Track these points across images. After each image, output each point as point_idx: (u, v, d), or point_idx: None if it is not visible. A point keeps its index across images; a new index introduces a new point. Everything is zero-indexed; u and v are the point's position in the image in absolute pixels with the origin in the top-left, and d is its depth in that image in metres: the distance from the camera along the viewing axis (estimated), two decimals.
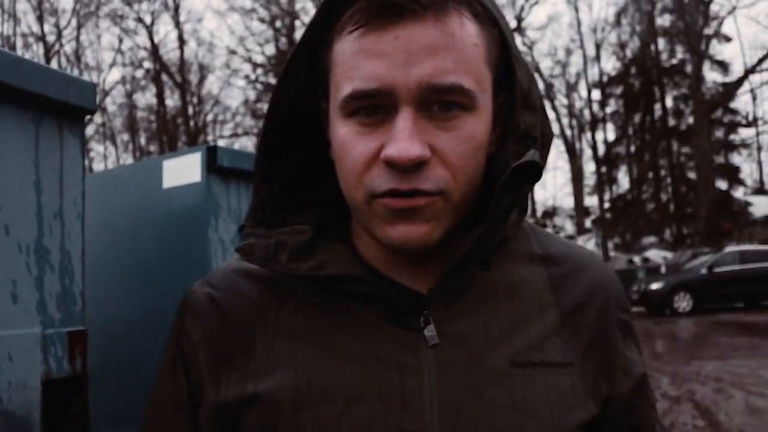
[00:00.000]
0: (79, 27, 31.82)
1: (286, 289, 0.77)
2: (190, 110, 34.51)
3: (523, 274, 0.79)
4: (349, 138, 0.68)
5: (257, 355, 0.74)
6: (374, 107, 0.67)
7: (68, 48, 32.66)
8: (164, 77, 34.01)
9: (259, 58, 35.03)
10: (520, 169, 0.69)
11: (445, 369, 0.71)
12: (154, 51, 32.42)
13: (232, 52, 33.79)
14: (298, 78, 0.76)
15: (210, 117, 36.93)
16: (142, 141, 37.32)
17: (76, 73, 32.09)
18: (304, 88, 0.77)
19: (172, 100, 35.81)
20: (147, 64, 33.91)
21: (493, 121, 0.73)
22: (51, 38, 30.42)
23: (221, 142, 36.59)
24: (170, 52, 33.92)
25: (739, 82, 31.91)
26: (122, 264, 2.62)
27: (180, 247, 2.51)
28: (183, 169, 2.56)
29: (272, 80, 32.84)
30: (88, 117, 1.83)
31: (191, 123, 34.16)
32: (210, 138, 36.63)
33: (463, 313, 0.74)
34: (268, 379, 0.72)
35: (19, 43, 29.50)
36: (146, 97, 37.05)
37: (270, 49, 34.55)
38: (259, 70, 34.97)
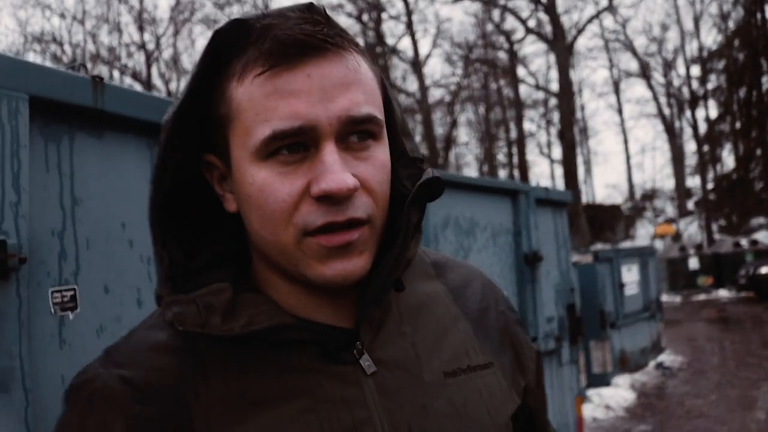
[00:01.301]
0: (175, 34, 33.13)
1: (206, 356, 0.72)
2: None
3: (429, 291, 0.85)
4: (271, 180, 0.67)
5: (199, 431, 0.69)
6: (295, 145, 0.67)
7: (166, 54, 34.20)
8: None
9: None
10: (422, 187, 0.74)
11: (388, 394, 0.73)
12: None
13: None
14: (182, 134, 0.72)
15: None
16: None
17: (174, 77, 33.57)
18: (190, 146, 0.74)
19: None
20: None
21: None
22: (150, 46, 31.89)
23: None
24: None
25: None
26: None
27: None
28: None
29: None
30: None
31: None
32: None
33: (391, 338, 0.77)
34: None
35: (123, 53, 31.16)
36: None
37: (359, 43, 34.92)
38: None
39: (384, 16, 32.44)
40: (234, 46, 0.68)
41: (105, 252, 1.62)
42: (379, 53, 31.98)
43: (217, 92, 0.70)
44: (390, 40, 33.25)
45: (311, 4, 0.70)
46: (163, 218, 0.74)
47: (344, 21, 30.13)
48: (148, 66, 31.21)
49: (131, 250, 1.68)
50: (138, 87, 30.01)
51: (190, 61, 36.47)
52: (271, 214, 0.68)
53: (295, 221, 0.68)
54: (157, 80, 32.17)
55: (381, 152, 0.72)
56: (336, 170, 0.65)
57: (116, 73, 29.20)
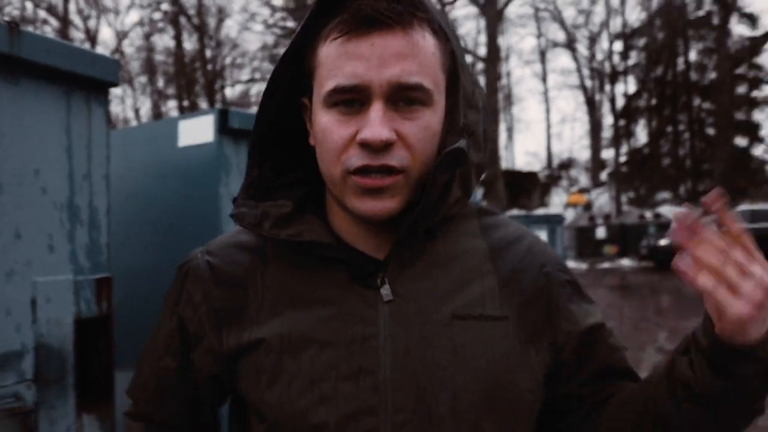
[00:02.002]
0: None
1: (270, 256, 0.93)
2: (208, 53, 34.30)
3: (467, 247, 0.94)
4: (330, 125, 0.82)
5: (250, 311, 0.90)
6: (352, 100, 0.81)
7: None
8: (182, 20, 33.74)
9: (278, 2, 34.61)
10: (451, 153, 0.83)
11: (397, 320, 0.86)
12: None
13: None
14: (285, 76, 0.91)
15: (228, 61, 36.78)
16: (160, 84, 37.30)
17: (94, 14, 31.96)
18: (290, 85, 0.91)
19: (190, 43, 35.61)
20: (165, 6, 33.63)
21: (445, 116, 0.88)
22: None
23: (239, 87, 36.44)
24: None
25: (767, 36, 31.17)
26: (141, 216, 2.86)
27: (193, 201, 2.73)
28: (197, 130, 2.77)
29: (290, 24, 32.47)
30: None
31: (209, 67, 33.98)
32: (227, 82, 36.53)
33: (414, 276, 0.89)
34: (259, 330, 0.89)
35: None
36: (164, 40, 36.79)
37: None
38: (278, 15, 34.57)
39: None
40: (330, 12, 0.83)
41: (17, 197, 1.65)
42: (309, 5, 31.40)
43: (312, 47, 0.86)
44: None
45: None
46: (264, 143, 0.94)
47: None
48: (65, 2, 29.54)
49: (44, 197, 1.71)
50: (54, 22, 28.44)
51: None
52: (327, 151, 0.84)
53: (342, 160, 0.82)
54: (74, 16, 30.58)
55: (428, 116, 0.83)
56: (375, 124, 0.79)
57: (29, 5, 27.50)
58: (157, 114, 35.27)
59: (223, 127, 2.67)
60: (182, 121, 2.84)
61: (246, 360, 0.90)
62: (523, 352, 0.90)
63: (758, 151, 33.94)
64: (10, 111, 1.64)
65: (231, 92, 36.72)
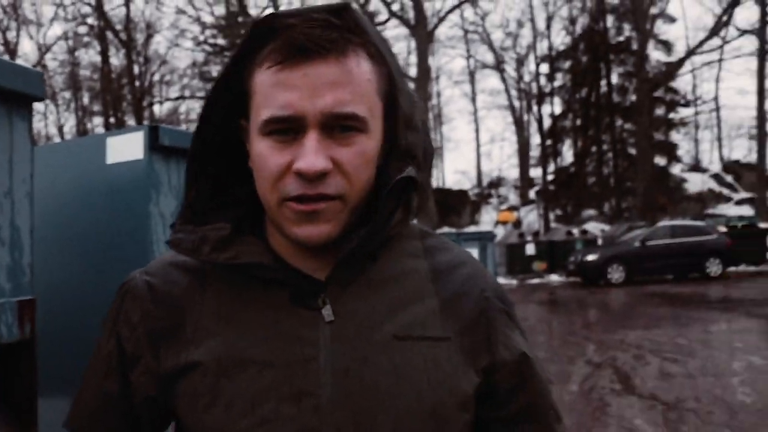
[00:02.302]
0: None
1: (209, 277, 0.91)
2: (136, 70, 33.54)
3: (408, 267, 0.94)
4: (266, 152, 0.83)
5: (187, 332, 0.89)
6: (286, 129, 0.81)
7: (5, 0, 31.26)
8: (109, 35, 32.90)
9: (209, 19, 34.20)
10: (401, 180, 0.85)
11: (338, 340, 0.85)
12: (99, 7, 31.18)
13: (181, 12, 32.81)
14: (223, 98, 0.90)
15: (156, 77, 36.07)
16: (85, 100, 36.22)
17: (13, 26, 30.85)
18: (228, 107, 0.91)
19: (117, 59, 34.76)
20: (91, 20, 32.75)
21: (382, 140, 0.88)
22: None
23: (168, 104, 35.77)
24: (116, 9, 32.54)
25: (681, 62, 32.80)
26: (66, 235, 2.75)
27: (123, 220, 2.65)
28: (126, 147, 2.70)
29: (221, 41, 32.13)
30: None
31: (137, 83, 33.20)
32: (156, 99, 35.78)
33: (355, 296, 0.88)
34: (196, 352, 0.87)
35: None
36: (89, 55, 35.74)
37: (220, 10, 33.79)
38: (208, 32, 34.19)
39: None
40: (264, 37, 0.83)
41: None
42: (240, 23, 31.16)
43: (249, 71, 0.86)
44: (253, 11, 32.50)
45: (343, 5, 0.84)
46: (201, 164, 0.93)
47: None
48: None
49: None
50: None
51: (33, 9, 33.62)
52: (263, 179, 0.84)
53: (278, 187, 0.83)
54: None
55: (363, 142, 0.84)
56: (310, 154, 0.79)
57: None
58: (82, 131, 34.22)
59: (153, 144, 2.61)
60: (111, 138, 2.76)
61: (183, 382, 0.88)
62: (464, 373, 0.90)
63: (676, 169, 35.56)
64: None
65: (159, 109, 36.04)
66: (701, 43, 31.02)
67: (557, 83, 38.12)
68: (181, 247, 0.90)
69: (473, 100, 47.67)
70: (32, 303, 1.80)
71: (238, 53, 0.87)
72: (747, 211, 30.45)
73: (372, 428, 0.84)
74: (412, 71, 33.73)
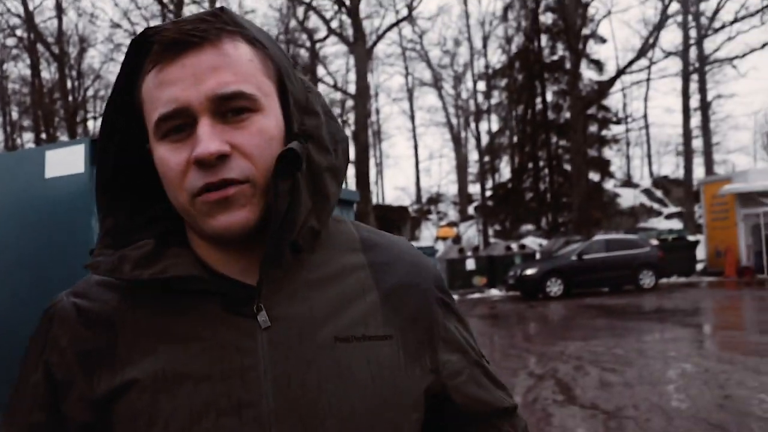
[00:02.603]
0: None
1: (139, 296, 0.87)
2: (69, 84, 32.58)
3: (346, 263, 0.93)
4: (166, 155, 0.82)
5: (120, 352, 0.85)
6: (180, 127, 0.80)
7: None
8: (40, 48, 31.87)
9: None
10: (286, 157, 0.81)
11: (277, 347, 0.83)
12: (29, 19, 30.21)
13: (116, 26, 32.05)
14: (120, 121, 0.88)
15: (90, 92, 35.14)
16: (14, 115, 34.97)
17: None
18: (126, 130, 0.89)
19: (48, 73, 33.73)
20: (20, 32, 31.68)
21: (284, 124, 0.86)
22: None
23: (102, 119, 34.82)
24: (47, 21, 31.52)
25: (612, 81, 33.83)
26: (4, 251, 2.65)
27: (63, 235, 2.57)
28: (66, 160, 2.62)
29: None
30: None
31: (70, 98, 32.23)
32: (90, 114, 34.82)
33: (291, 299, 0.86)
34: (132, 371, 0.83)
35: None
36: (19, 68, 34.51)
37: (156, 24, 33.12)
38: None
39: None
40: (143, 50, 0.83)
41: None
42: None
43: (137, 87, 0.85)
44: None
45: (219, 8, 0.85)
46: (112, 189, 0.90)
47: None
48: None
49: None
50: None
51: None
52: (169, 182, 0.83)
53: (185, 186, 0.81)
54: None
55: (260, 120, 0.82)
56: (204, 139, 0.78)
57: None
58: (11, 146, 32.92)
59: (95, 157, 2.54)
60: (50, 151, 2.67)
61: (119, 404, 0.83)
62: (408, 369, 0.90)
63: (609, 185, 36.67)
64: None
65: (94, 125, 35.06)
66: (630, 63, 31.98)
67: (494, 101, 38.97)
68: (100, 270, 0.86)
69: (412, 117, 47.95)
70: None
71: (122, 72, 0.86)
72: (676, 224, 31.63)
73: None
74: (351, 88, 33.89)
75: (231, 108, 0.81)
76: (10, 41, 31.74)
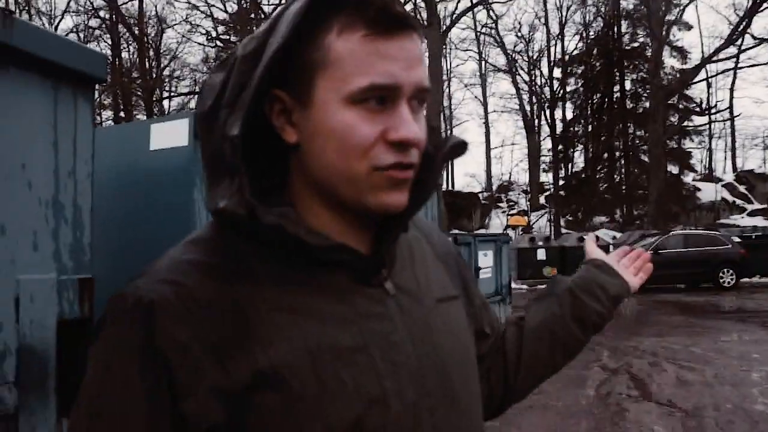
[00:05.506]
0: None
1: (250, 270, 0.82)
2: (147, 64, 33.61)
3: (412, 236, 1.01)
4: (355, 121, 0.81)
5: (257, 332, 0.78)
6: (381, 98, 0.82)
7: None
8: (121, 29, 32.96)
9: (221, 15, 34.23)
10: (458, 147, 0.94)
11: (404, 311, 0.89)
12: (111, 0, 31.31)
13: (194, 7, 32.81)
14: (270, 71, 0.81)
15: (167, 72, 36.16)
16: (96, 93, 36.24)
17: (25, 17, 30.94)
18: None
19: (127, 53, 34.86)
20: (103, 14, 32.81)
21: None
22: None
23: (177, 99, 35.89)
24: (128, 3, 32.55)
25: (696, 69, 32.57)
26: (114, 219, 2.77)
27: (165, 205, 2.67)
28: (171, 133, 2.71)
29: (233, 38, 32.14)
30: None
31: (147, 77, 33.25)
32: (165, 93, 35.85)
33: (402, 269, 0.94)
34: (278, 349, 0.78)
35: None
36: (101, 48, 35.72)
37: (232, 6, 33.79)
38: (220, 28, 34.20)
39: None
40: (333, 4, 0.80)
41: (5, 191, 1.57)
42: (252, 19, 31.22)
43: (308, 39, 0.81)
44: (266, 8, 32.51)
45: None
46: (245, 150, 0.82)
47: None
48: None
49: (30, 192, 1.64)
50: None
51: (45, 2, 33.70)
52: (351, 148, 0.81)
53: (369, 156, 0.81)
54: None
55: (424, 116, 0.89)
56: (411, 123, 0.82)
57: None
58: (94, 123, 34.20)
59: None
60: (155, 125, 2.77)
61: (267, 390, 0.77)
62: (466, 318, 1.03)
63: (689, 178, 35.41)
64: None
65: (168, 104, 36.13)
66: (717, 51, 30.78)
67: (570, 88, 38.07)
68: (236, 212, 0.80)
69: (484, 103, 47.47)
70: (91, 282, 1.81)
71: (299, 20, 0.80)
72: (760, 222, 30.27)
73: (451, 386, 0.91)
74: None
75: (420, 99, 0.86)
76: (93, 22, 32.90)
